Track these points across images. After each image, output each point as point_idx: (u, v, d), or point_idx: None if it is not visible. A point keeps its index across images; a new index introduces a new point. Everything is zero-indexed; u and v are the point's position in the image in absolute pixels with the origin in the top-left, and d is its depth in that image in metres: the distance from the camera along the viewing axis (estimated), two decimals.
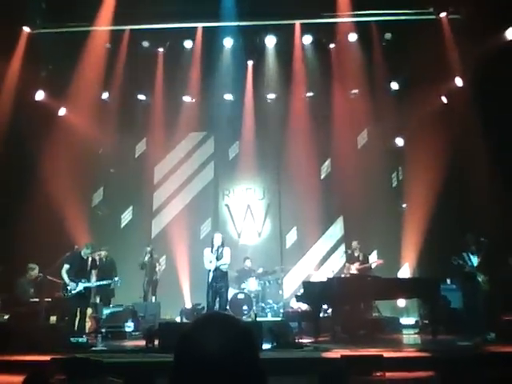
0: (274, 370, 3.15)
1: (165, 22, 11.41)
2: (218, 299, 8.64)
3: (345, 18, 11.20)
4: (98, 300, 10.44)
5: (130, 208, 13.67)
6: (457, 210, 10.55)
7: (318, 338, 8.35)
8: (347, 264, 11.00)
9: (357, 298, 9.05)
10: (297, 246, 13.16)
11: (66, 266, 8.73)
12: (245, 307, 10.32)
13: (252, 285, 10.90)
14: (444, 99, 11.69)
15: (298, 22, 11.64)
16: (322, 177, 13.62)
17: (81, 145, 11.91)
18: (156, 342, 7.48)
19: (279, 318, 10.29)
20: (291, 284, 12.41)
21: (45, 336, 7.79)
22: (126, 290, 10.65)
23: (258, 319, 9.43)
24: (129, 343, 8.87)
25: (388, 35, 11.70)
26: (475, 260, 8.59)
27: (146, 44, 12.03)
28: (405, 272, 11.86)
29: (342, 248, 12.80)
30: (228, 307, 9.41)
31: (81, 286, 8.67)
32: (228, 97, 13.27)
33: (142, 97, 13.24)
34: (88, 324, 9.25)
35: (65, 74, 11.45)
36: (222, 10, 10.81)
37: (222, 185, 13.85)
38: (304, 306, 9.97)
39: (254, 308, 10.36)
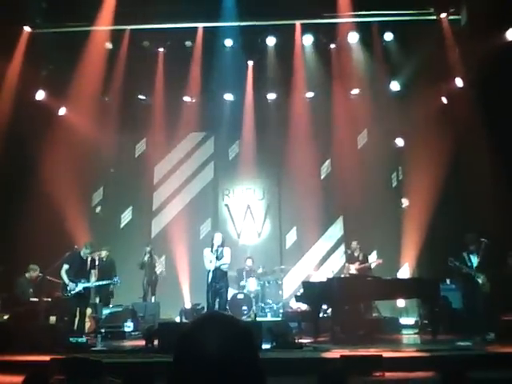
0: (274, 370, 3.15)
1: (165, 22, 11.43)
2: (217, 299, 8.64)
3: (345, 18, 11.20)
4: (97, 300, 10.43)
5: (130, 208, 13.66)
6: (457, 210, 10.56)
7: (317, 338, 8.35)
8: (347, 264, 11.00)
9: (356, 298, 9.04)
10: (296, 246, 13.16)
11: (66, 266, 8.73)
12: (244, 307, 10.31)
13: (252, 285, 10.90)
14: (444, 100, 11.68)
15: (298, 22, 11.65)
16: (322, 177, 13.61)
17: (81, 144, 11.90)
18: (155, 342, 7.49)
19: (279, 318, 10.29)
20: (291, 284, 12.41)
21: (44, 336, 7.79)
22: (126, 290, 10.65)
23: (257, 319, 9.44)
24: (128, 343, 8.87)
25: (388, 36, 11.71)
26: (475, 260, 8.59)
27: (146, 44, 12.04)
28: (405, 272, 11.86)
29: (342, 248, 12.80)
30: (228, 307, 9.41)
31: (80, 286, 8.67)
32: (228, 97, 13.26)
33: (142, 97, 13.24)
34: (87, 324, 9.25)
35: (65, 73, 11.45)
36: (223, 10, 10.82)
37: (221, 185, 13.84)
38: (304, 306, 9.98)
39: (254, 308, 10.35)
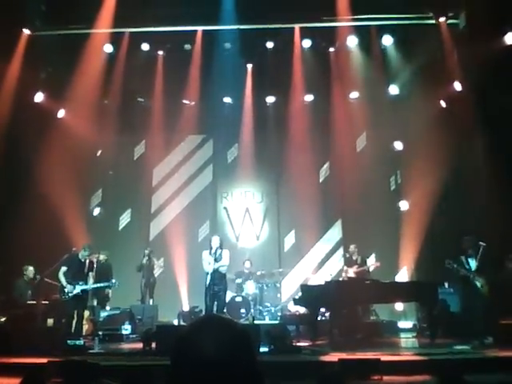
0: (272, 374, 3.14)
1: (165, 25, 11.46)
2: (215, 302, 8.62)
3: (344, 22, 11.24)
4: (95, 302, 10.40)
5: (129, 210, 13.65)
6: (455, 214, 10.56)
7: (315, 341, 8.33)
8: (345, 267, 10.99)
9: (355, 302, 9.03)
10: (295, 249, 13.15)
11: (64, 269, 8.71)
12: (242, 310, 10.30)
13: (250, 288, 10.90)
14: (443, 103, 11.70)
15: (297, 26, 11.68)
16: (321, 180, 13.61)
17: (79, 147, 11.89)
18: (153, 345, 7.47)
19: (277, 322, 10.26)
20: (289, 287, 12.39)
21: (42, 338, 7.77)
22: (124, 292, 10.62)
23: (255, 322, 9.42)
24: (126, 346, 8.86)
25: (387, 39, 11.74)
26: (473, 263, 8.58)
27: (145, 47, 12.06)
28: (403, 275, 11.86)
29: (340, 251, 12.80)
30: (226, 310, 9.40)
31: (78, 289, 8.65)
32: (227, 100, 13.28)
33: (141, 99, 13.25)
34: (85, 326, 9.23)
35: (64, 76, 11.47)
36: (222, 13, 10.85)
37: (220, 188, 13.84)
38: (302, 310, 9.96)
39: (252, 311, 10.34)
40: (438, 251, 10.28)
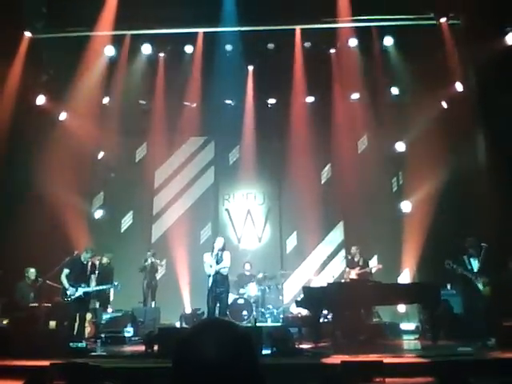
0: (274, 376, 3.14)
1: (166, 27, 11.48)
2: (218, 304, 8.61)
3: (345, 23, 11.24)
4: (97, 305, 10.41)
5: (131, 212, 13.66)
6: (457, 215, 10.54)
7: (318, 343, 8.32)
8: (347, 269, 10.97)
9: (357, 304, 9.01)
10: (297, 250, 13.15)
11: (66, 271, 8.72)
12: (245, 312, 10.30)
13: (252, 290, 10.89)
14: (444, 104, 11.69)
15: (298, 28, 11.68)
16: (323, 182, 13.62)
17: (81, 149, 11.92)
18: (155, 348, 7.45)
19: (279, 324, 10.26)
20: (291, 289, 12.38)
21: (44, 341, 7.76)
22: (126, 295, 10.63)
23: (257, 324, 9.41)
24: (128, 348, 8.84)
25: (388, 40, 11.75)
26: (475, 264, 8.56)
27: (147, 49, 12.08)
28: (405, 277, 11.84)
29: (343, 253, 12.78)
30: (228, 312, 9.38)
31: (80, 291, 8.65)
32: (228, 101, 13.29)
33: (142, 101, 13.26)
34: (87, 329, 9.23)
35: (66, 78, 11.49)
36: (223, 15, 10.86)
37: (222, 190, 13.85)
38: (304, 312, 9.94)
39: (254, 313, 10.34)
40: (440, 252, 10.23)
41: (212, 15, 10.84)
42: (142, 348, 7.67)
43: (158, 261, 11.69)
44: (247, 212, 13.65)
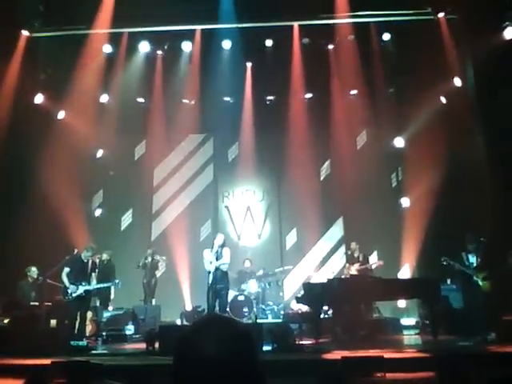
0: (275, 372, 3.14)
1: (163, 25, 11.46)
2: (218, 301, 8.61)
3: (343, 19, 11.23)
4: (97, 303, 10.42)
5: (130, 210, 13.66)
6: (457, 210, 10.54)
7: (318, 339, 8.33)
8: (347, 265, 10.99)
9: (357, 299, 9.03)
10: (297, 247, 13.16)
11: (67, 270, 8.72)
12: (245, 309, 10.32)
13: (252, 286, 10.90)
14: (443, 99, 11.68)
15: (296, 24, 11.67)
16: (322, 178, 13.61)
17: (80, 148, 11.90)
18: (156, 345, 7.47)
19: (279, 320, 10.28)
20: (291, 285, 12.40)
21: (45, 339, 7.78)
22: (126, 292, 10.65)
23: (258, 321, 9.41)
24: (129, 346, 8.87)
25: (386, 36, 11.73)
26: (474, 260, 8.58)
27: (144, 46, 12.06)
28: (405, 272, 11.85)
29: (342, 249, 12.79)
30: (228, 309, 9.39)
31: (81, 289, 8.65)
32: (227, 98, 13.27)
33: (140, 99, 13.24)
34: (88, 327, 9.23)
35: (64, 77, 11.47)
36: (221, 11, 10.84)
37: (221, 186, 13.84)
38: (304, 308, 9.96)
39: (255, 310, 10.35)
40: (440, 248, 10.25)
41: (210, 12, 10.82)
42: (143, 346, 7.69)
43: (160, 257, 11.68)
44: (247, 209, 13.65)
